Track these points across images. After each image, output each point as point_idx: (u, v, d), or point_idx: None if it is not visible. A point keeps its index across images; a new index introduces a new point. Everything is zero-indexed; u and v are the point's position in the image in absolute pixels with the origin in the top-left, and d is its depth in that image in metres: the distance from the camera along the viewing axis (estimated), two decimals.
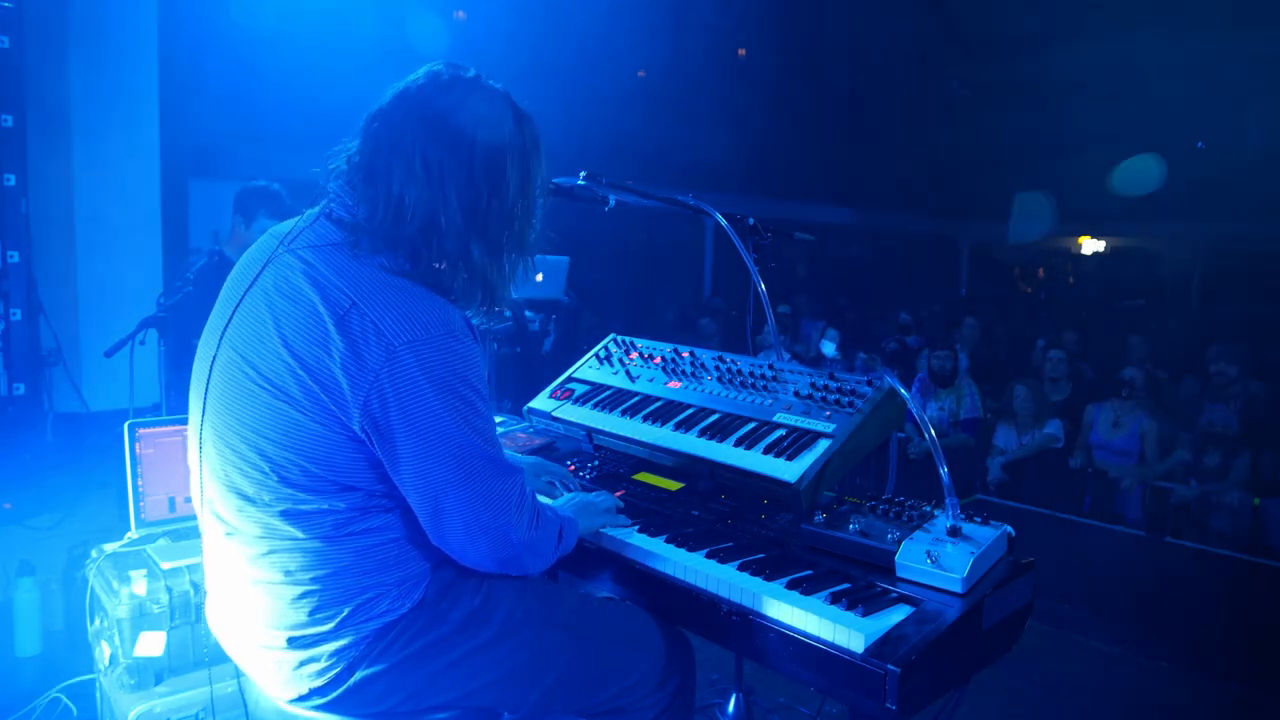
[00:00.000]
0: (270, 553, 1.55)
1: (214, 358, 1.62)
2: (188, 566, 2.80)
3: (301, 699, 1.62)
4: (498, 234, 1.60)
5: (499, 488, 1.57)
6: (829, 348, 7.43)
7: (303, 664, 1.59)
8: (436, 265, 1.56)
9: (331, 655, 1.57)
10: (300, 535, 1.54)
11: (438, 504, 1.53)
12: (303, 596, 1.56)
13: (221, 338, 1.61)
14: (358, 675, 1.58)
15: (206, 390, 1.62)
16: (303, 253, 1.57)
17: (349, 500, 1.54)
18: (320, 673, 1.58)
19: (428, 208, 1.53)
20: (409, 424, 1.47)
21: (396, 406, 1.46)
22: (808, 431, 2.05)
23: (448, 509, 1.54)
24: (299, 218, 1.67)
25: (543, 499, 1.85)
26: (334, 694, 1.60)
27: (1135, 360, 7.16)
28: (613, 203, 2.34)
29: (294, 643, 1.58)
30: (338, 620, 1.56)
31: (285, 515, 1.53)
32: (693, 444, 2.16)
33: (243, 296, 1.61)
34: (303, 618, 1.56)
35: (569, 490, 2.12)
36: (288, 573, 1.55)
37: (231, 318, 1.61)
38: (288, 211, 1.68)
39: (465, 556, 1.60)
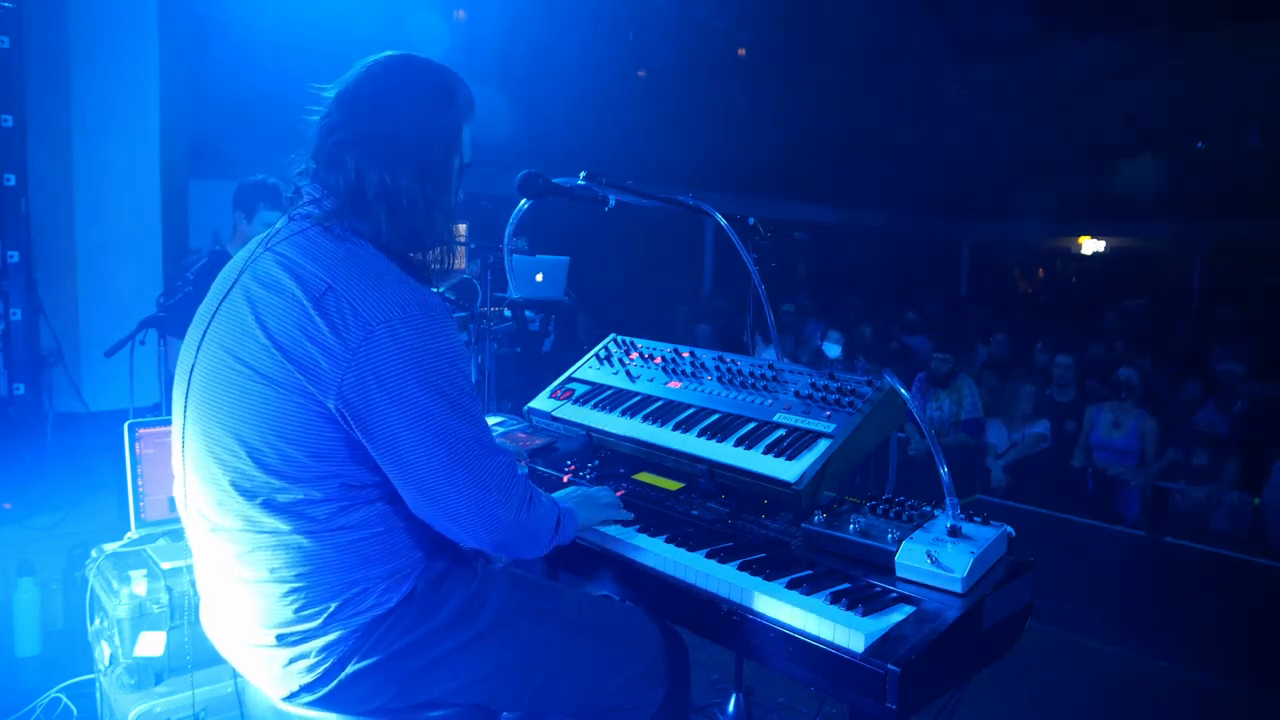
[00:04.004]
0: (254, 550, 1.56)
1: (195, 357, 1.64)
2: (188, 566, 2.80)
3: (292, 696, 1.63)
4: (442, 194, 1.67)
5: (485, 465, 1.57)
6: (832, 349, 7.43)
7: (292, 661, 1.59)
8: (401, 230, 1.62)
9: (321, 651, 1.58)
10: (283, 529, 1.54)
11: (422, 483, 1.53)
12: (289, 594, 1.56)
13: (203, 337, 1.64)
14: (348, 670, 1.58)
15: (189, 388, 1.64)
16: (279, 247, 1.61)
17: (326, 489, 1.54)
18: (310, 669, 1.59)
19: (381, 178, 1.60)
20: (390, 401, 1.48)
21: (376, 385, 1.48)
22: (808, 431, 2.05)
23: (432, 488, 1.53)
24: (278, 222, 1.72)
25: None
26: (324, 690, 1.60)
27: (1129, 360, 7.18)
28: (613, 203, 2.33)
29: (283, 640, 1.59)
30: (324, 616, 1.56)
31: (266, 506, 1.53)
32: (693, 444, 2.16)
33: (224, 297, 1.64)
34: (289, 615, 1.57)
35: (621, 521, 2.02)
36: (272, 570, 1.56)
37: (213, 318, 1.64)
38: (287, 203, 1.74)
39: (455, 536, 1.60)
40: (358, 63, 1.69)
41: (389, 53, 1.69)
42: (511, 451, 1.62)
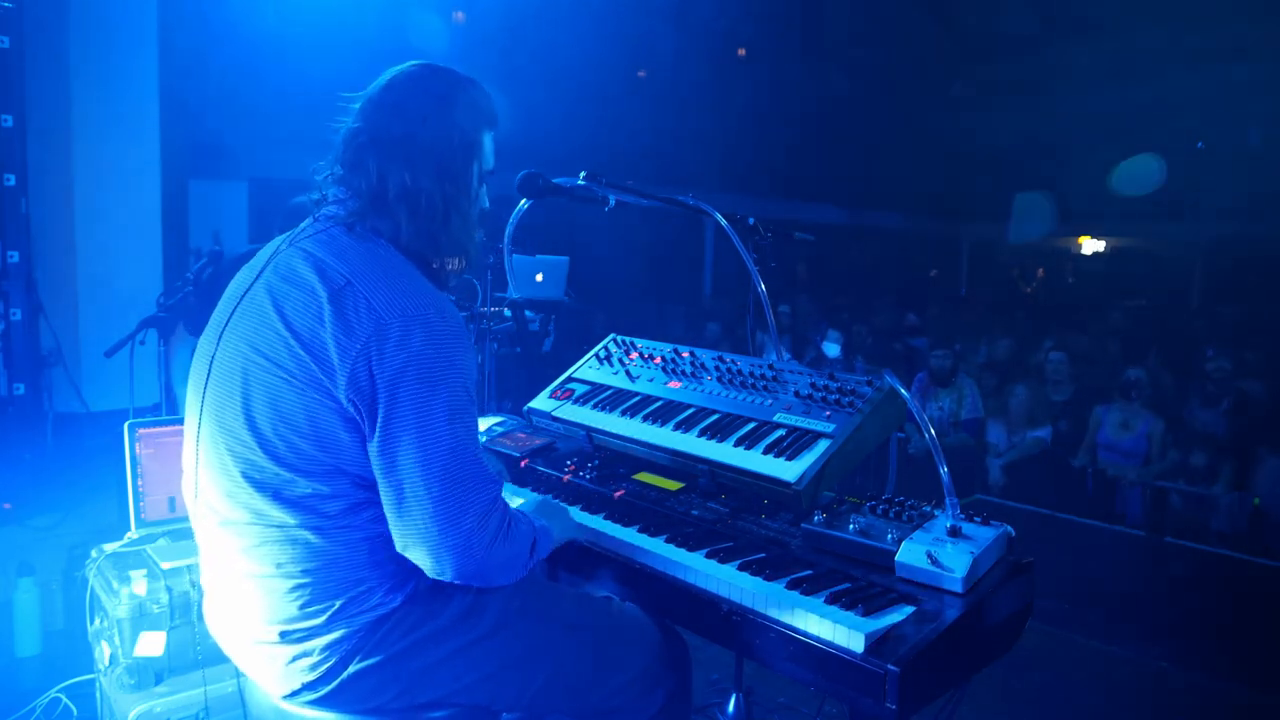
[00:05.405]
0: (261, 543, 1.56)
1: (215, 350, 1.66)
2: (188, 566, 2.80)
3: (294, 694, 1.63)
4: (461, 197, 1.70)
5: (471, 484, 1.52)
6: (832, 349, 7.44)
7: (295, 658, 1.60)
8: (421, 231, 1.65)
9: (324, 649, 1.58)
10: (290, 523, 1.54)
11: (401, 491, 1.50)
12: (294, 590, 1.56)
13: (223, 330, 1.66)
14: (351, 668, 1.59)
15: (207, 380, 1.65)
16: (303, 244, 1.64)
17: (336, 485, 1.54)
18: (313, 667, 1.59)
19: (401, 179, 1.63)
20: (391, 398, 1.49)
21: (382, 379, 1.49)
22: (808, 431, 2.05)
23: (409, 497, 1.49)
24: (303, 221, 1.74)
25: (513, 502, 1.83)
26: (327, 688, 1.60)
27: (1138, 360, 7.17)
28: (613, 203, 2.34)
29: (286, 637, 1.59)
30: (329, 614, 1.57)
31: (275, 498, 1.54)
32: (693, 444, 2.16)
33: (247, 291, 1.66)
34: (294, 611, 1.57)
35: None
36: (279, 565, 1.56)
37: (234, 312, 1.66)
38: (312, 206, 1.78)
39: (423, 559, 1.53)
40: (383, 73, 1.73)
41: (412, 62, 1.73)
42: (496, 478, 1.60)
